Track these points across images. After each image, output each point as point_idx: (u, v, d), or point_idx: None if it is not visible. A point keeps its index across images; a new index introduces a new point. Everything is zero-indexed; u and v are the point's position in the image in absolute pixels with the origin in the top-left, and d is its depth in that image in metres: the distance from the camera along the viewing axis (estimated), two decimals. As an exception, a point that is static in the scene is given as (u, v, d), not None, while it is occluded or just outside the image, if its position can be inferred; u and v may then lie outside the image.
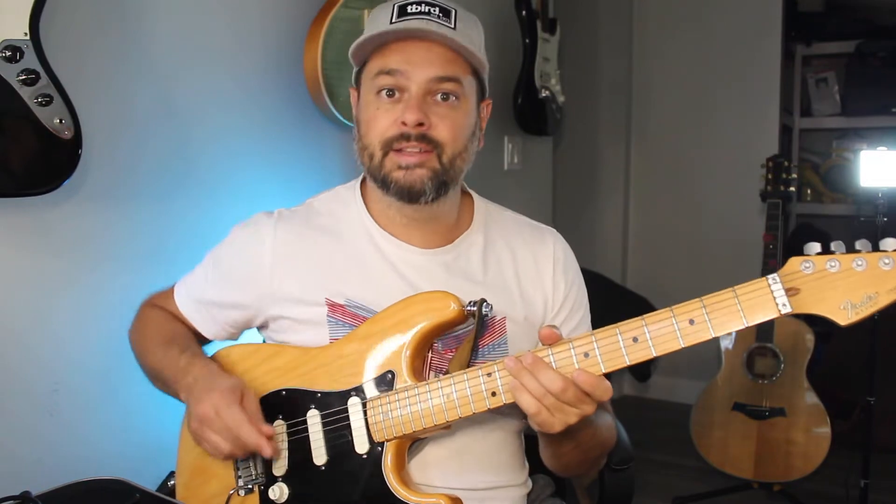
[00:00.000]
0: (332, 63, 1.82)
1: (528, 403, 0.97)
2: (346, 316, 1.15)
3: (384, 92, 1.12)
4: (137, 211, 1.53)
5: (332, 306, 1.16)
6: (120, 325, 1.44)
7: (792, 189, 2.71)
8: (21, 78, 1.21)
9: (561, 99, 2.92)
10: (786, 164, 2.71)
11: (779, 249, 2.67)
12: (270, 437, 1.06)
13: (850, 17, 3.71)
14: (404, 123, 1.09)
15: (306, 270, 1.18)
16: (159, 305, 1.30)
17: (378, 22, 1.13)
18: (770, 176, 2.72)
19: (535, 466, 1.30)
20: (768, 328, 2.68)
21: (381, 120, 1.11)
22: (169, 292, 1.30)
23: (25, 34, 1.21)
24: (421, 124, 1.09)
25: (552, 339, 0.99)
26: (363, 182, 1.25)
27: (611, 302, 3.49)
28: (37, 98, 1.23)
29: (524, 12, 2.69)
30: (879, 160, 2.40)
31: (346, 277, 1.17)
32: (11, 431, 1.35)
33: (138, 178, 1.53)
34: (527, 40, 2.71)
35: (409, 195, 1.12)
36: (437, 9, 1.12)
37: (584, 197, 3.91)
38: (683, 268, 3.72)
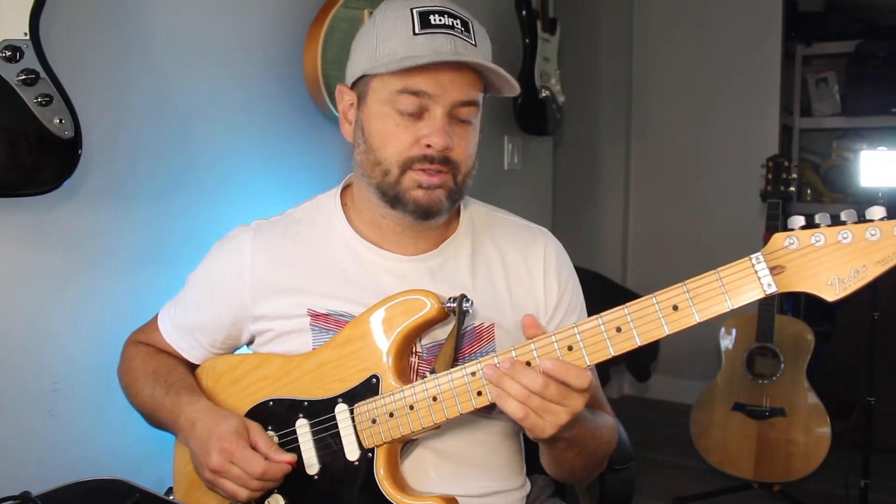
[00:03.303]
0: (332, 63, 1.82)
1: (514, 409, 0.95)
2: (329, 322, 1.13)
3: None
4: (137, 211, 1.53)
5: (315, 316, 1.14)
6: (120, 324, 1.44)
7: (792, 189, 2.71)
8: (21, 78, 1.21)
9: (561, 99, 2.92)
10: (786, 164, 2.71)
11: (779, 249, 2.66)
12: (293, 464, 1.08)
13: (850, 17, 3.71)
14: (429, 146, 1.06)
15: (286, 282, 1.16)
16: (142, 341, 1.29)
17: (396, 28, 1.06)
18: (770, 176, 2.72)
19: (534, 467, 1.30)
20: (768, 328, 2.68)
21: (401, 138, 1.07)
22: (151, 324, 1.29)
23: (25, 34, 1.21)
24: (446, 148, 1.06)
25: (534, 328, 0.98)
26: (344, 190, 1.22)
27: (610, 302, 3.48)
28: (37, 98, 1.23)
29: (524, 12, 2.69)
30: (879, 160, 2.40)
31: (327, 289, 1.15)
32: (11, 431, 1.34)
33: (138, 177, 1.53)
34: (527, 40, 2.71)
35: (427, 214, 1.09)
36: (458, 21, 1.07)
37: (584, 197, 3.91)
38: (683, 268, 3.67)
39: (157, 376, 1.20)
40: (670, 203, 3.85)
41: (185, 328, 1.24)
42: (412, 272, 1.15)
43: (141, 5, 1.51)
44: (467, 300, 1.07)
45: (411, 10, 1.07)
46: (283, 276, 1.16)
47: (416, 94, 1.05)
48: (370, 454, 1.07)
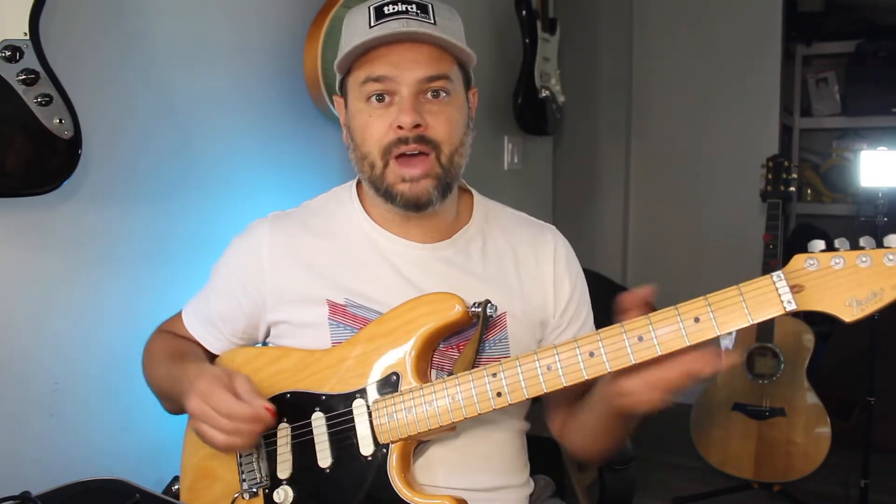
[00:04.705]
0: (332, 63, 1.80)
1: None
2: (346, 318, 1.15)
3: (374, 97, 1.11)
4: (137, 211, 1.53)
5: (333, 307, 1.15)
6: (120, 324, 1.44)
7: (792, 189, 2.71)
8: (21, 78, 1.21)
9: (561, 99, 2.92)
10: (786, 164, 2.71)
11: (779, 249, 2.67)
12: (271, 411, 1.03)
13: (849, 17, 3.71)
14: (400, 127, 1.08)
15: (304, 271, 1.18)
16: (167, 330, 1.30)
17: (356, 28, 1.12)
18: (770, 176, 2.71)
19: (536, 467, 1.30)
20: (768, 328, 2.68)
21: (376, 126, 1.10)
22: (177, 315, 1.31)
23: (25, 34, 1.21)
24: (417, 125, 1.08)
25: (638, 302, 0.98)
26: (359, 182, 1.25)
27: (611, 302, 3.48)
28: (37, 98, 1.23)
29: (524, 12, 2.69)
30: (879, 160, 2.40)
31: (345, 276, 1.17)
32: (11, 431, 1.34)
33: (138, 177, 1.53)
34: (527, 40, 2.71)
35: (417, 206, 1.12)
36: (414, 6, 1.10)
37: (584, 197, 3.91)
38: (683, 268, 3.72)
39: (173, 356, 1.21)
40: (670, 203, 3.85)
41: (207, 318, 1.25)
42: (427, 260, 1.18)
43: (141, 6, 1.51)
44: (492, 306, 1.10)
45: (369, 7, 1.12)
46: (299, 264, 1.18)
47: (377, 80, 1.09)
48: (384, 450, 1.07)
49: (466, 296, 1.10)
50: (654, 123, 3.87)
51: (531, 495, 1.26)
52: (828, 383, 2.87)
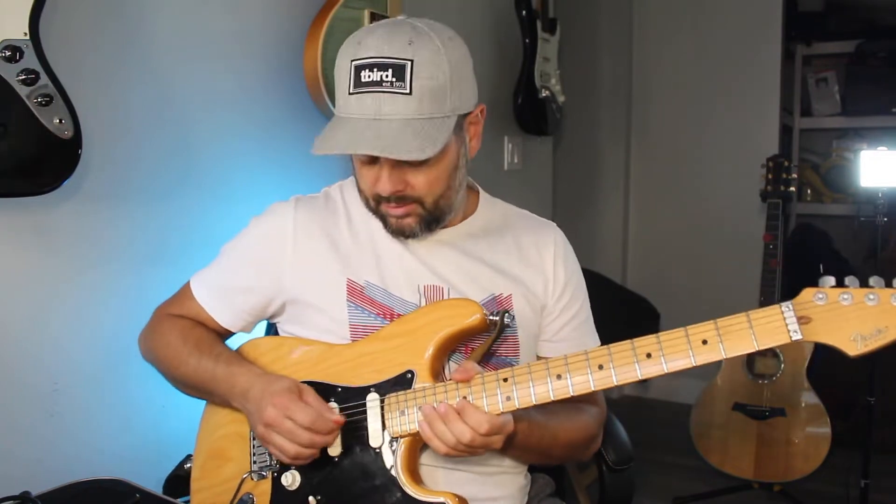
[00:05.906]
0: (332, 63, 1.80)
1: (437, 447, 1.05)
2: (364, 301, 1.19)
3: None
4: (137, 211, 1.53)
5: (352, 289, 1.19)
6: (120, 324, 1.44)
7: (792, 189, 2.71)
8: (21, 78, 1.21)
9: (561, 99, 2.92)
10: (786, 164, 2.71)
11: (779, 249, 2.67)
12: (342, 422, 1.11)
13: (850, 17, 3.71)
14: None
15: (327, 251, 1.22)
16: (175, 314, 1.29)
17: (341, 83, 1.10)
18: (770, 176, 2.71)
19: (535, 465, 1.30)
20: (768, 328, 2.67)
21: (366, 178, 1.15)
22: (181, 295, 1.30)
23: (25, 34, 1.21)
24: (394, 192, 1.12)
25: (468, 375, 1.07)
26: None
27: (611, 302, 3.48)
28: (37, 98, 1.23)
29: (524, 12, 2.69)
30: (879, 160, 2.40)
31: (364, 259, 1.22)
32: (11, 431, 1.34)
33: (138, 177, 1.53)
34: (527, 40, 2.71)
35: (403, 236, 1.19)
36: (390, 71, 1.05)
37: (584, 197, 3.91)
38: (683, 268, 3.71)
39: (200, 348, 1.23)
40: (670, 203, 3.85)
41: (221, 290, 1.27)
42: (438, 245, 1.23)
43: (141, 5, 1.51)
44: (509, 315, 1.15)
45: (351, 62, 1.08)
46: (323, 244, 1.22)
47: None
48: (393, 443, 1.11)
49: (475, 279, 1.20)
50: (654, 123, 3.87)
51: (529, 492, 1.28)
52: (828, 383, 2.87)
